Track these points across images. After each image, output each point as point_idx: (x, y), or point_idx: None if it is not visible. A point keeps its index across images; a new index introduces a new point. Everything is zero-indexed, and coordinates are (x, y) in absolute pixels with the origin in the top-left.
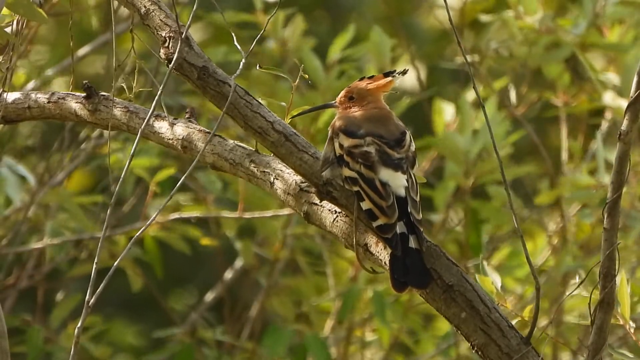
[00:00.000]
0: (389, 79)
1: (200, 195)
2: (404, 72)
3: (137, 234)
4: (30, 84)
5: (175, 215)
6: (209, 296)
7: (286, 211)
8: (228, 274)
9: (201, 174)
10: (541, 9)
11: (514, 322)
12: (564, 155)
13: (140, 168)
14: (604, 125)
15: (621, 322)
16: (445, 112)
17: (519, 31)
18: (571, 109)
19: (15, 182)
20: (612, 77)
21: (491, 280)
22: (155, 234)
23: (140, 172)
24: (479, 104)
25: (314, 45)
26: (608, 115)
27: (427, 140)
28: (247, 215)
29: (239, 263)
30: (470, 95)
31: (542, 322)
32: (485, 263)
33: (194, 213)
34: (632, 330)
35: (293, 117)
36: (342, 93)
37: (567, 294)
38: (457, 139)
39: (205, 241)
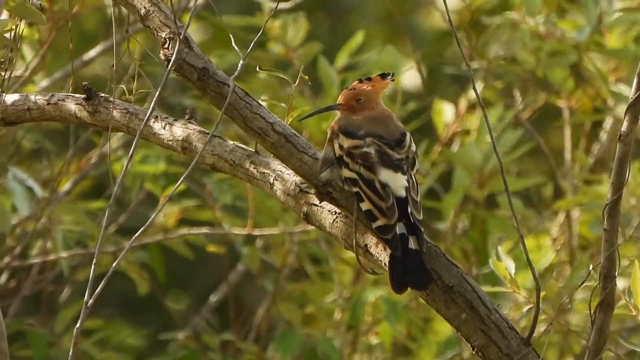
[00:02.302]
0: (388, 80)
1: (208, 202)
2: (394, 75)
3: (137, 234)
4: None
5: (185, 232)
6: (213, 299)
7: (298, 228)
8: (232, 277)
9: (209, 180)
10: (544, 11)
11: (525, 310)
12: (568, 159)
13: (147, 176)
14: (607, 128)
15: (634, 313)
16: (445, 113)
17: (524, 36)
18: (576, 118)
19: (23, 194)
20: (623, 88)
21: (505, 266)
22: (159, 239)
23: (150, 185)
24: (482, 108)
25: (320, 48)
26: (609, 122)
27: (443, 154)
28: (257, 232)
29: (242, 266)
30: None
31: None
32: (500, 249)
33: (203, 228)
34: None
35: (300, 120)
36: (346, 95)
37: (569, 294)
38: (473, 154)
39: (211, 248)
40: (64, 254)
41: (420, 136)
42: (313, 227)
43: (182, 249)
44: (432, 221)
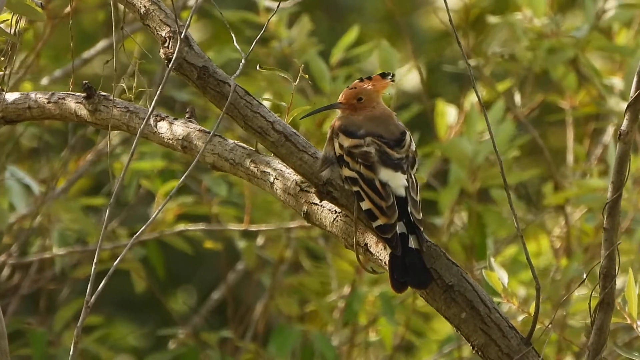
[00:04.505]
0: (388, 79)
1: (204, 198)
2: (394, 75)
3: (138, 233)
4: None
5: (182, 227)
6: (212, 299)
7: (294, 224)
8: (230, 275)
9: (206, 177)
10: (549, 11)
11: (520, 319)
12: (570, 159)
13: (144, 173)
14: (608, 127)
15: (629, 322)
16: (448, 115)
17: (523, 34)
18: (576, 112)
19: (20, 191)
20: (616, 82)
21: (498, 276)
22: (157, 236)
23: (146, 183)
24: (482, 107)
25: (318, 47)
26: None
27: (433, 146)
28: (254, 227)
29: (241, 264)
30: (475, 99)
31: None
32: (492, 259)
33: (200, 224)
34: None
35: (301, 118)
36: (347, 94)
37: (568, 293)
38: (463, 145)
39: (209, 244)
40: (60, 252)
41: (415, 130)
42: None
43: (180, 244)
44: (429, 216)
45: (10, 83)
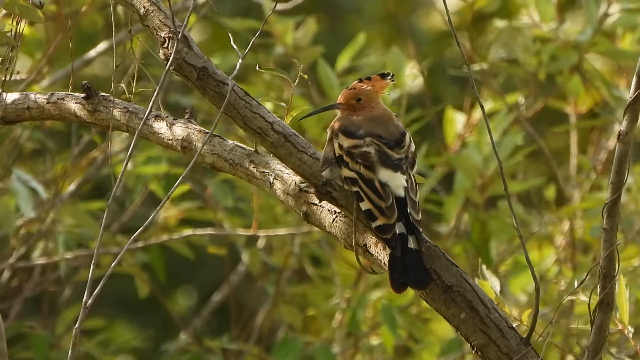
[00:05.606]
0: (388, 80)
1: (209, 203)
2: (394, 76)
3: (136, 234)
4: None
5: (189, 233)
6: (214, 301)
7: (301, 229)
8: (232, 277)
9: (211, 182)
10: (556, 16)
11: (514, 326)
12: (573, 162)
13: (150, 176)
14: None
15: (620, 327)
16: (457, 122)
17: (531, 42)
18: (580, 124)
19: (27, 195)
20: (622, 91)
21: (490, 285)
22: (163, 241)
23: (155, 188)
24: (481, 108)
25: (321, 51)
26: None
27: (443, 157)
28: (261, 233)
29: (243, 267)
30: (485, 106)
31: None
32: (484, 267)
33: (207, 229)
34: (630, 335)
35: (300, 119)
36: (347, 94)
37: (567, 294)
38: (473, 156)
39: (213, 249)
40: (68, 256)
41: (421, 138)
42: (316, 229)
43: (184, 249)
44: (434, 224)
45: (20, 87)
